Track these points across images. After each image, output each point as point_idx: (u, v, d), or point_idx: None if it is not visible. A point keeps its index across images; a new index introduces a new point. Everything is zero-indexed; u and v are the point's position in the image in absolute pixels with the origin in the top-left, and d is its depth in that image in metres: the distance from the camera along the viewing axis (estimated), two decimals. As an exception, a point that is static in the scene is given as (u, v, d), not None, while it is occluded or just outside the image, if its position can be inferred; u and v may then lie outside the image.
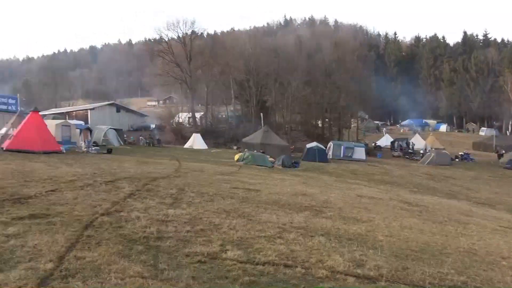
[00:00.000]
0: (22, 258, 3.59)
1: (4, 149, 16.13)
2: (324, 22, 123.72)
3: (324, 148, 32.24)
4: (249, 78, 52.42)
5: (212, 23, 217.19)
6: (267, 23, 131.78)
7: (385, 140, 49.35)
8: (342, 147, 34.36)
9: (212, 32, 72.93)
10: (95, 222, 5.14)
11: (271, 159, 23.51)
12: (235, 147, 38.30)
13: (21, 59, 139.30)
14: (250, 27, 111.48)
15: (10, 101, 39.09)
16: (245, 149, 26.37)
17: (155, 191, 8.21)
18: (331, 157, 32.24)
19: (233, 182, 11.67)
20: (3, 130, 19.90)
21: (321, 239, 5.47)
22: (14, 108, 36.19)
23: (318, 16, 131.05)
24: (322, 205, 8.83)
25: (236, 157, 23.72)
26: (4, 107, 37.23)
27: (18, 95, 42.38)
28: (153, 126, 53.73)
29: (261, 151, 24.78)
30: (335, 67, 54.06)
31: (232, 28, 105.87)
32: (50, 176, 9.14)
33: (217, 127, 53.15)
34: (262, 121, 41.42)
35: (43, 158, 14.17)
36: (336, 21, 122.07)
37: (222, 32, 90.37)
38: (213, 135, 47.77)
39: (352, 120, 58.50)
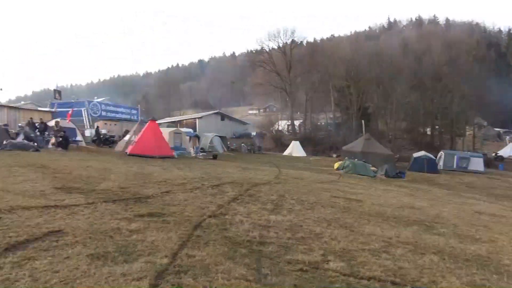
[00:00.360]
0: (142, 251, 3.98)
1: (128, 153, 18.33)
2: (434, 21, 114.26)
3: (434, 158, 29.67)
4: (349, 84, 51.08)
5: (312, 30, 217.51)
6: (369, 27, 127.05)
7: (508, 150, 43.38)
8: (456, 156, 31.27)
9: (312, 40, 72.87)
10: (203, 223, 5.47)
11: (373, 168, 22.44)
12: (334, 155, 37.56)
13: (141, 74, 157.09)
14: (350, 32, 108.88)
15: (133, 111, 44.69)
16: (345, 157, 25.62)
17: (257, 197, 8.44)
18: (442, 167, 29.57)
19: (333, 191, 11.41)
20: (127, 137, 22.66)
21: (433, 257, 4.98)
22: (135, 118, 41.20)
23: (426, 16, 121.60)
24: (433, 220, 8.07)
25: (336, 165, 23.22)
26: (128, 116, 42.63)
27: (138, 106, 48.05)
28: (254, 133, 55.73)
29: (362, 160, 23.80)
30: (446, 70, 49.47)
31: (332, 35, 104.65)
32: (164, 179, 10.07)
33: (316, 135, 52.81)
34: (363, 129, 39.91)
35: (159, 162, 15.67)
36: (447, 20, 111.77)
37: (322, 39, 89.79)
38: (312, 143, 47.55)
39: (467, 127, 52.70)
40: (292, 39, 60.05)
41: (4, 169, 9.47)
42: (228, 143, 41.15)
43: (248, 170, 15.60)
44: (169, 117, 68.04)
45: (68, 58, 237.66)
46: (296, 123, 58.73)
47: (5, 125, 21.49)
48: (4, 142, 15.54)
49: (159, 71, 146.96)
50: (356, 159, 23.89)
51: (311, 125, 57.74)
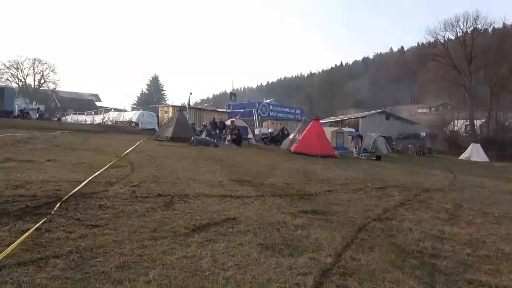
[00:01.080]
0: (307, 248, 4.07)
1: (291, 151, 19.21)
2: None
3: None
4: (553, 75, 41.45)
5: (501, 13, 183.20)
6: None
7: None
8: None
9: (501, 26, 61.31)
10: (367, 226, 5.26)
11: None
12: (529, 162, 31.17)
13: (305, 75, 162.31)
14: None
15: (297, 111, 46.66)
16: (546, 165, 20.94)
17: (428, 203, 7.66)
18: None
19: (528, 204, 9.44)
20: (291, 136, 23.77)
21: None
22: (299, 117, 42.92)
23: None
24: None
25: (531, 174, 19.23)
26: (292, 116, 44.72)
27: (302, 106, 49.88)
28: (423, 134, 51.15)
29: None
30: None
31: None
32: (327, 178, 10.14)
33: (503, 137, 44.83)
34: None
35: (320, 161, 15.89)
36: None
37: (515, 24, 75.07)
38: (497, 146, 40.62)
39: None
40: (474, 27, 52.30)
41: (192, 161, 11.16)
42: (393, 144, 38.77)
43: (417, 174, 14.32)
44: (331, 116, 68.41)
45: (242, 65, 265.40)
46: (477, 123, 51.01)
47: (192, 123, 25.40)
48: (192, 138, 18.32)
49: (322, 71, 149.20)
50: (561, 168, 19.25)
51: (497, 125, 49.14)
